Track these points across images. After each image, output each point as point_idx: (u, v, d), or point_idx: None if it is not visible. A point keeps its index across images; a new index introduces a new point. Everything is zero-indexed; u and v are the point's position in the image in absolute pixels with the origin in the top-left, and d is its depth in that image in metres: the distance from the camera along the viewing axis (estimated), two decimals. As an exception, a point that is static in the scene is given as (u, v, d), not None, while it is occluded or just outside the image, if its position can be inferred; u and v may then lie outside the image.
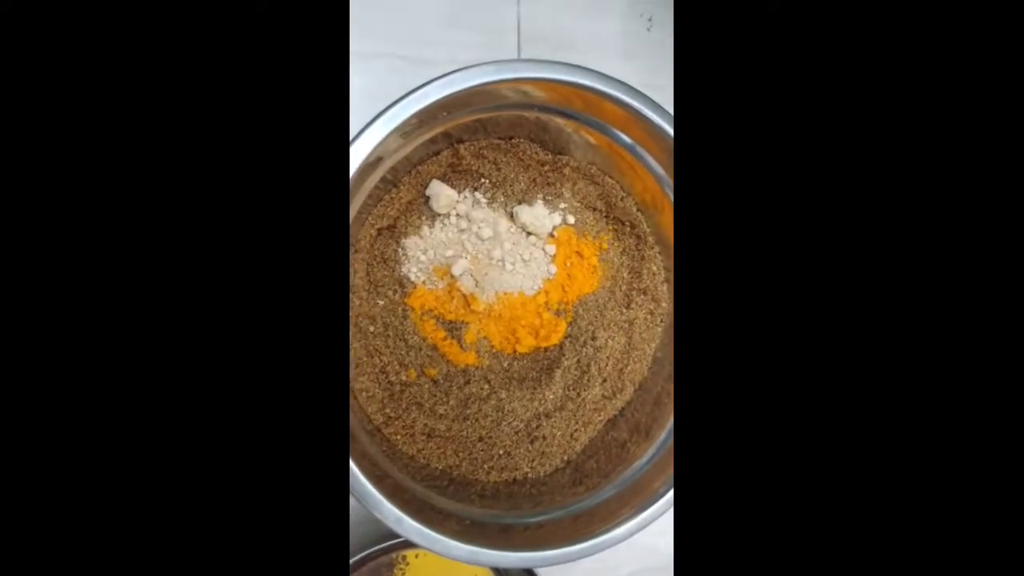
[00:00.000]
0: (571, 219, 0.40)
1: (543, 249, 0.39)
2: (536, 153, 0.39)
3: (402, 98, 0.30)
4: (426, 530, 0.31)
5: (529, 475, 0.39)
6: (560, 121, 0.37)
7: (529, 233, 0.39)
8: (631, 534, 0.35)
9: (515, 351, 0.39)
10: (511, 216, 0.39)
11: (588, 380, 0.39)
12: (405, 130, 0.31)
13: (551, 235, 0.40)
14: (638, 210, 0.40)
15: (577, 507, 0.37)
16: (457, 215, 0.38)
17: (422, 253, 0.38)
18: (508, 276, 0.38)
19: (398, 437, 0.37)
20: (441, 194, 0.38)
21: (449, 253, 0.38)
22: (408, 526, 0.31)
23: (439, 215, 0.38)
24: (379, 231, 0.38)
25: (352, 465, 0.30)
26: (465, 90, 0.31)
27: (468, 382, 0.38)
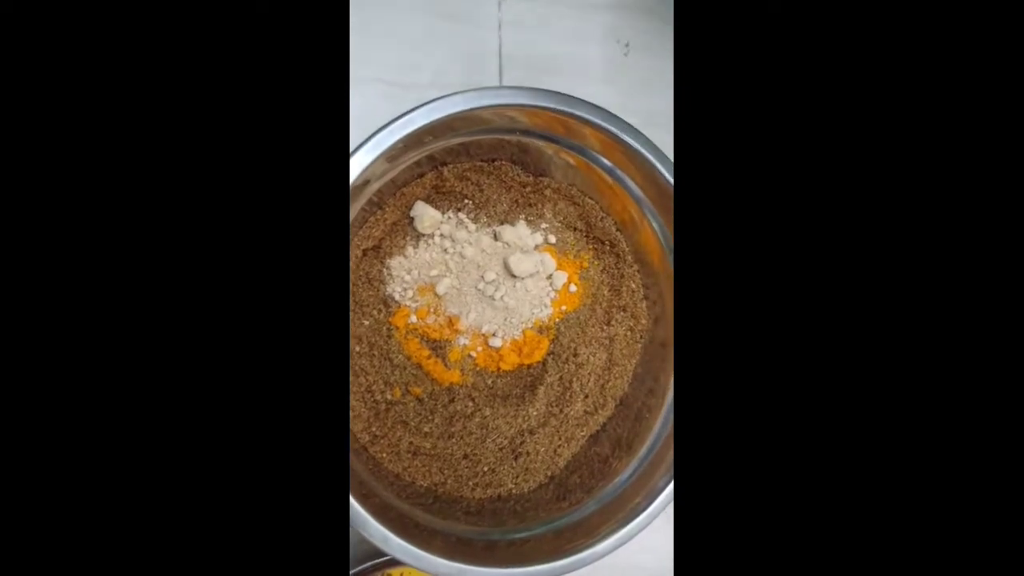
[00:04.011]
0: (552, 238, 0.41)
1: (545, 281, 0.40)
2: (518, 175, 0.40)
3: (387, 124, 0.31)
4: (413, 548, 0.31)
5: (513, 491, 0.39)
6: (541, 144, 0.38)
7: (520, 276, 0.40)
8: (614, 548, 0.35)
9: (499, 368, 0.40)
10: (494, 236, 0.40)
11: (570, 396, 0.40)
12: (391, 154, 0.32)
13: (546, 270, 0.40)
14: (617, 229, 0.41)
15: (561, 522, 0.38)
16: (441, 235, 0.39)
17: (406, 273, 0.39)
18: (492, 311, 0.39)
19: (384, 455, 0.38)
20: (425, 215, 0.38)
21: (433, 273, 0.39)
22: (395, 544, 0.31)
23: (423, 235, 0.39)
24: (364, 252, 0.38)
25: (339, 484, 0.31)
26: (449, 116, 0.32)
27: (452, 400, 0.39)
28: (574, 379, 0.40)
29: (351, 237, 0.37)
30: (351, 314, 0.38)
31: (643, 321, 0.42)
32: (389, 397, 0.38)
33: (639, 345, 0.42)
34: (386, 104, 0.42)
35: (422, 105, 0.32)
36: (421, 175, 0.38)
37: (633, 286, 0.41)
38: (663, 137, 0.35)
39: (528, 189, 0.40)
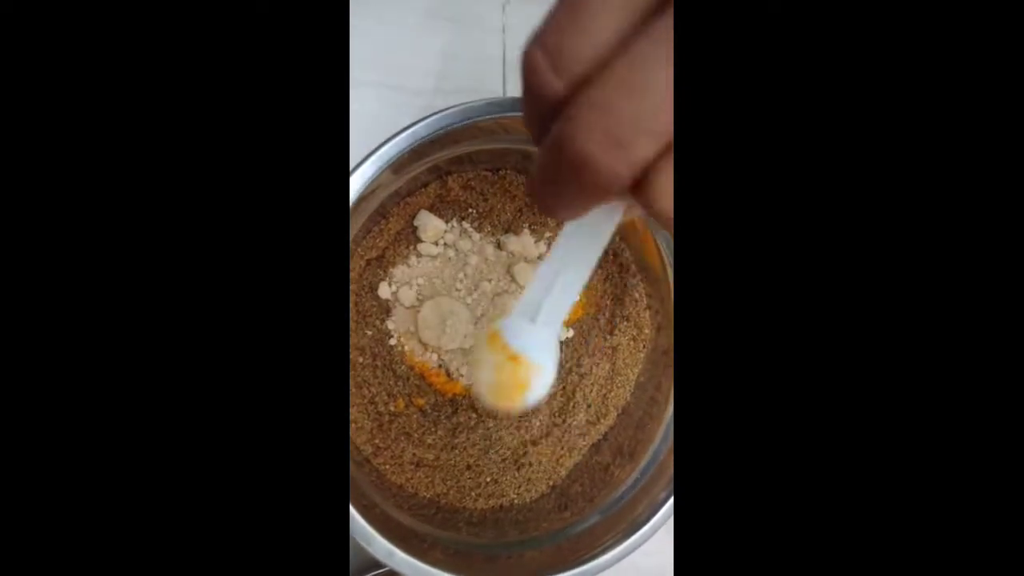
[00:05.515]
0: (556, 248, 0.41)
1: None
2: (522, 184, 0.39)
3: (392, 137, 0.31)
4: (417, 563, 0.31)
5: (515, 501, 0.39)
6: (546, 153, 0.37)
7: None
8: (616, 560, 0.35)
9: (502, 379, 0.40)
10: (498, 245, 0.40)
11: (573, 407, 0.40)
12: (396, 166, 0.32)
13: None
14: (621, 239, 0.41)
15: (563, 534, 0.38)
16: (444, 244, 0.39)
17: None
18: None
19: (387, 467, 0.37)
20: (429, 224, 0.38)
21: (437, 282, 0.39)
22: (399, 560, 0.31)
23: (427, 244, 0.39)
24: (368, 262, 0.38)
25: (343, 499, 0.31)
26: (454, 128, 0.32)
27: (456, 411, 0.39)
28: (577, 390, 0.40)
29: (355, 248, 0.37)
30: (354, 325, 0.38)
31: (646, 331, 0.41)
32: (392, 409, 0.38)
33: (642, 354, 0.42)
34: (390, 109, 0.41)
35: (427, 117, 0.31)
36: (426, 184, 0.38)
37: (636, 295, 0.41)
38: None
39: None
